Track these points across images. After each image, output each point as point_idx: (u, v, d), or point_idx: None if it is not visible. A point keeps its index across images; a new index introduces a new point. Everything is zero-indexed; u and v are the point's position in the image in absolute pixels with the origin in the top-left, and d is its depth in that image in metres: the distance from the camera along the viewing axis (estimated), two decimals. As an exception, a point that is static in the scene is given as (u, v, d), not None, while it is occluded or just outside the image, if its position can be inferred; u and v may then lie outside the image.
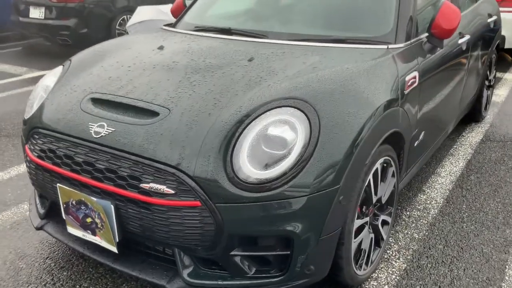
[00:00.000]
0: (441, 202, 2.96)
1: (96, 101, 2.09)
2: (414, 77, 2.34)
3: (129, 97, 2.03)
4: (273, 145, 1.75)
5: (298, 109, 1.81)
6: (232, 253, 1.79)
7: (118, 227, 1.88)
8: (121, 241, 1.91)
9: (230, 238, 1.75)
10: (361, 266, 2.14)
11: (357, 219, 2.01)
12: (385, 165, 2.21)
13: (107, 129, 1.92)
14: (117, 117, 1.95)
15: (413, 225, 2.71)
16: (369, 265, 2.22)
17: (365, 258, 2.17)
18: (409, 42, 2.44)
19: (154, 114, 1.92)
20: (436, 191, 3.09)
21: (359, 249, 2.14)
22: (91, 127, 1.95)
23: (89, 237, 1.99)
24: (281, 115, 1.80)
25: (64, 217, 2.05)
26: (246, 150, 1.74)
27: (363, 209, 2.12)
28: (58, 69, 2.50)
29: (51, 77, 2.44)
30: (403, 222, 2.73)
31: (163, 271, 1.92)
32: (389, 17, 2.48)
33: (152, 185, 1.77)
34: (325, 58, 2.18)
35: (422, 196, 3.04)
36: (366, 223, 2.12)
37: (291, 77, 2.00)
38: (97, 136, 1.92)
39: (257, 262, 1.84)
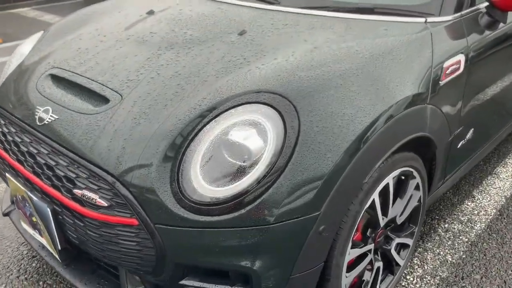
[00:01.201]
0: (492, 214, 2.39)
1: (54, 78, 1.76)
2: (458, 63, 1.77)
3: (86, 76, 1.68)
4: (234, 155, 1.33)
5: (272, 107, 1.36)
6: (182, 282, 1.43)
7: (59, 234, 1.58)
8: (64, 249, 1.61)
9: (176, 266, 1.39)
10: (361, 301, 1.71)
11: (353, 248, 1.57)
12: (403, 177, 1.71)
13: (51, 115, 1.59)
14: (64, 101, 1.62)
15: (449, 242, 2.19)
16: (375, 299, 1.78)
17: (368, 291, 1.73)
18: (459, 14, 1.85)
19: (104, 100, 1.56)
20: (489, 198, 2.51)
21: (360, 281, 1.71)
22: (37, 112, 1.64)
23: (37, 237, 1.72)
24: (248, 115, 1.36)
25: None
26: (199, 160, 1.34)
27: (367, 234, 1.66)
28: (37, 35, 2.20)
29: (28, 44, 2.15)
30: (436, 238, 2.22)
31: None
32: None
33: (85, 192, 1.43)
34: (334, 34, 1.68)
35: (469, 203, 2.48)
36: (369, 251, 1.67)
37: (279, 61, 1.54)
38: (40, 124, 1.60)
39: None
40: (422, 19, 1.77)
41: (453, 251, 2.14)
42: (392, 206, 1.67)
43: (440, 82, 1.69)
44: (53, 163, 1.53)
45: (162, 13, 2.07)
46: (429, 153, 1.81)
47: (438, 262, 2.07)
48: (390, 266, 1.85)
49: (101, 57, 1.77)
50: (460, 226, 2.30)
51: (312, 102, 1.38)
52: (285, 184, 1.30)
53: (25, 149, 1.63)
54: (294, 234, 1.34)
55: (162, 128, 1.40)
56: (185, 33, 1.81)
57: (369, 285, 1.73)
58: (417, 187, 1.79)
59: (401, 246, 1.90)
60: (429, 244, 2.19)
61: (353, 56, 1.53)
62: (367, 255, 1.66)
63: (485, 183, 2.65)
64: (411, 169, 1.69)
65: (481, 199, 2.51)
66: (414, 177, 1.74)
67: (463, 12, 1.87)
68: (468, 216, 2.37)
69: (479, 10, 1.95)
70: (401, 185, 1.72)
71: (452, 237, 2.23)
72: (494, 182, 2.65)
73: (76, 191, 1.45)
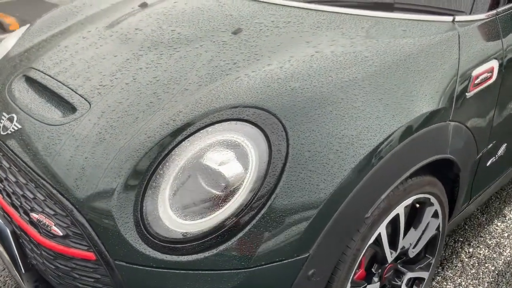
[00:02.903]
0: (526, 238, 2.11)
1: (27, 80, 1.58)
2: (490, 70, 1.50)
3: (58, 79, 1.49)
4: (209, 183, 1.12)
5: (256, 125, 1.14)
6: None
7: (21, 257, 1.40)
8: (29, 271, 1.44)
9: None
10: None
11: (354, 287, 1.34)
12: (417, 205, 1.46)
13: (14, 124, 1.41)
14: (31, 109, 1.43)
15: (473, 271, 1.93)
16: None
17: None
18: (494, 11, 1.57)
19: (71, 109, 1.36)
20: (522, 219, 2.23)
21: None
22: (2, 119, 1.46)
23: (3, 255, 1.56)
24: (227, 134, 1.14)
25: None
26: (168, 187, 1.13)
27: (373, 270, 1.43)
28: (23, 29, 2.02)
29: (12, 38, 1.98)
30: (459, 264, 1.96)
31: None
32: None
33: (41, 217, 1.25)
34: (342, 35, 1.43)
35: (499, 223, 2.20)
36: (374, 290, 1.44)
37: (273, 67, 1.31)
38: (4, 133, 1.42)
39: None
40: (450, 18, 1.50)
41: (477, 281, 1.88)
42: (402, 239, 1.42)
43: (467, 94, 1.42)
44: (13, 179, 1.35)
45: (154, 7, 1.86)
46: (451, 175, 1.55)
47: (459, 295, 1.82)
48: (401, 302, 1.61)
49: (78, 57, 1.58)
50: (486, 251, 2.03)
51: (305, 121, 1.14)
52: (267, 221, 1.08)
53: (-11, 160, 1.46)
54: (277, 280, 1.11)
55: (128, 146, 1.19)
56: (173, 31, 1.59)
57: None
58: (435, 215, 1.54)
59: (415, 280, 1.66)
60: (450, 271, 1.93)
61: (360, 64, 1.28)
62: (371, 294, 1.43)
63: (519, 200, 2.36)
64: (427, 196, 1.44)
65: (513, 219, 2.23)
66: (432, 204, 1.49)
67: (500, 9, 1.58)
68: (497, 240, 2.10)
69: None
70: (415, 213, 1.48)
71: (476, 265, 1.96)
72: (530, 199, 2.36)
73: (32, 214, 1.26)
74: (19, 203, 1.32)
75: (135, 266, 1.12)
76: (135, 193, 1.14)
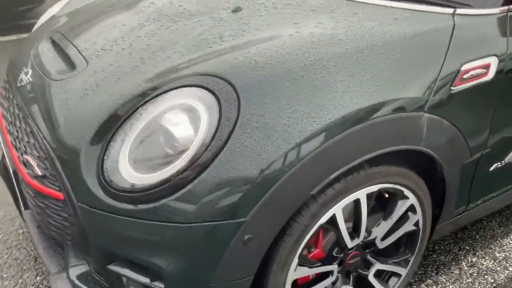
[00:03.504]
0: (540, 256, 1.97)
1: (51, 42, 1.76)
2: (485, 67, 1.43)
3: (73, 41, 1.65)
4: (164, 142, 1.20)
5: (213, 93, 1.20)
6: (110, 267, 1.35)
7: (22, 197, 1.58)
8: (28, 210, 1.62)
9: (100, 250, 1.32)
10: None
11: (304, 265, 1.36)
12: (387, 195, 1.45)
13: (28, 78, 1.59)
14: (43, 66, 1.60)
15: (469, 280, 1.85)
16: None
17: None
18: (506, 7, 1.49)
19: (72, 67, 1.51)
20: (543, 237, 2.08)
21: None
22: (21, 73, 1.65)
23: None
24: (186, 99, 1.22)
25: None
26: (130, 142, 1.22)
27: (333, 253, 1.44)
28: (67, -2, 2.23)
29: (58, 6, 2.19)
30: (456, 271, 1.89)
31: (62, 259, 1.59)
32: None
33: (29, 158, 1.41)
34: (330, 19, 1.44)
35: (515, 238, 2.08)
36: (331, 272, 1.44)
37: (252, 42, 1.36)
38: (19, 85, 1.61)
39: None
40: (450, 10, 1.45)
41: (470, 291, 1.80)
42: (365, 226, 1.41)
43: (452, 88, 1.38)
44: (18, 125, 1.53)
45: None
46: (436, 173, 1.51)
47: (447, 302, 1.76)
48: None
49: (96, 24, 1.73)
50: (491, 263, 1.93)
51: (259, 93, 1.19)
52: (208, 182, 1.14)
53: (6, 106, 1.66)
54: (213, 239, 1.18)
55: (103, 103, 1.32)
56: (180, 6, 1.70)
57: (331, 312, 1.50)
58: (412, 209, 1.51)
59: (392, 275, 1.63)
60: (444, 277, 1.86)
61: (330, 45, 1.30)
62: (329, 276, 1.44)
63: (546, 217, 2.20)
64: (399, 187, 1.42)
65: (532, 235, 2.09)
66: (406, 197, 1.46)
67: (514, 5, 1.51)
68: (507, 254, 1.98)
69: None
70: (387, 204, 1.46)
71: (475, 274, 1.87)
72: (559, 219, 2.19)
73: (24, 156, 1.43)
74: (19, 146, 1.49)
75: (93, 209, 1.24)
76: (101, 145, 1.25)
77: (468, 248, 2.02)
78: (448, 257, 1.97)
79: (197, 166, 1.15)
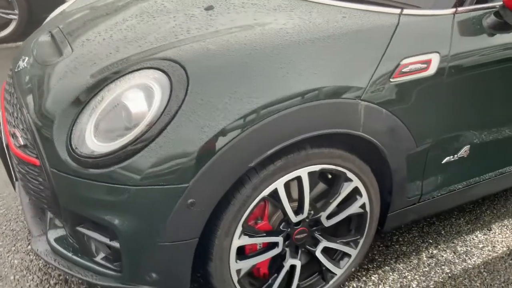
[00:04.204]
0: (500, 252, 2.05)
1: (49, 34, 1.98)
2: (426, 62, 1.56)
3: (64, 33, 1.86)
4: (124, 116, 1.38)
5: (167, 74, 1.38)
6: (78, 228, 1.53)
7: (13, 168, 1.79)
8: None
9: (68, 212, 1.50)
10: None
11: (249, 234, 1.51)
12: (329, 176, 1.58)
13: (24, 63, 1.81)
14: (37, 53, 1.82)
15: (426, 269, 1.95)
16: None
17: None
18: (453, 9, 1.62)
19: (60, 54, 1.72)
20: (507, 235, 2.15)
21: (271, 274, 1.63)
22: (20, 60, 1.87)
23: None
24: (145, 79, 1.40)
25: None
26: (95, 116, 1.40)
27: (280, 227, 1.58)
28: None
29: (70, 2, 2.43)
30: (415, 261, 1.98)
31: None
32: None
33: (15, 130, 1.61)
34: (286, 17, 1.60)
35: (480, 235, 2.15)
36: (276, 244, 1.58)
37: (211, 35, 1.53)
38: (16, 70, 1.83)
39: (107, 248, 1.54)
40: (397, 10, 1.60)
41: (424, 278, 1.90)
42: (307, 204, 1.55)
43: (391, 80, 1.51)
44: (12, 102, 1.74)
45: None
46: (382, 160, 1.63)
47: (398, 285, 1.86)
48: (325, 271, 1.73)
49: (88, 20, 1.94)
50: (450, 255, 2.02)
51: (207, 76, 1.36)
52: (155, 150, 1.31)
53: (8, 89, 1.88)
54: (159, 201, 1.34)
55: (78, 83, 1.51)
56: (162, 4, 1.89)
57: (278, 280, 1.63)
58: (357, 192, 1.63)
59: (344, 255, 1.76)
60: (401, 265, 1.96)
61: (277, 37, 1.46)
62: (275, 248, 1.58)
63: (516, 217, 2.27)
64: (341, 169, 1.56)
65: (497, 234, 2.16)
66: (350, 180, 1.59)
67: (460, 8, 1.63)
68: (468, 248, 2.07)
69: (492, 8, 1.68)
70: (332, 184, 1.60)
71: (432, 265, 1.97)
72: (528, 220, 2.26)
73: (12, 129, 1.64)
74: (10, 121, 1.70)
75: (62, 173, 1.42)
76: (71, 118, 1.44)
77: (431, 241, 2.11)
78: (410, 248, 2.07)
79: (147, 137, 1.32)
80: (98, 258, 1.54)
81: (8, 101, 1.80)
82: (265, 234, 1.55)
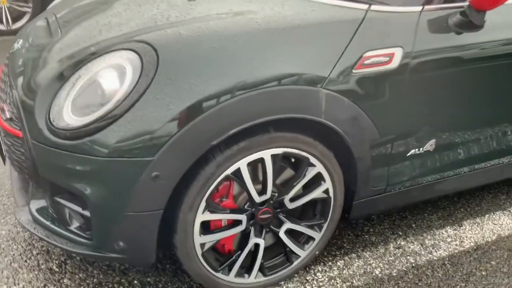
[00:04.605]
0: (466, 247, 2.11)
1: (45, 19, 2.11)
2: (388, 56, 1.64)
3: (58, 19, 1.99)
4: (98, 93, 1.49)
5: (139, 55, 1.48)
6: (56, 198, 1.64)
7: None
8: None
9: (46, 181, 1.61)
10: (231, 271, 1.72)
11: (213, 211, 1.60)
12: (293, 160, 1.67)
13: (18, 45, 1.93)
14: (31, 35, 1.94)
15: (390, 258, 2.02)
16: (254, 276, 1.76)
17: (239, 264, 1.73)
18: (420, 7, 1.70)
19: (50, 37, 1.84)
20: (477, 232, 2.21)
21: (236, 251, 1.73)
22: (16, 42, 2.00)
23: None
24: (119, 59, 1.50)
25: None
26: (73, 93, 1.50)
27: (245, 206, 1.67)
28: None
29: None
30: (381, 250, 2.06)
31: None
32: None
33: (3, 105, 1.73)
34: (259, 7, 1.69)
35: (450, 230, 2.22)
36: (240, 222, 1.67)
37: (185, 22, 1.64)
38: (11, 51, 1.95)
39: (81, 218, 1.65)
40: (365, 6, 1.68)
41: (388, 266, 1.97)
42: (270, 185, 1.64)
43: (353, 71, 1.60)
44: (4, 80, 1.86)
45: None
46: (345, 147, 1.71)
47: (362, 271, 1.93)
48: (289, 252, 1.81)
49: (82, 7, 2.07)
50: (417, 247, 2.09)
51: (176, 57, 1.46)
52: (123, 125, 1.42)
53: (5, 70, 2.01)
54: (125, 173, 1.45)
55: (61, 61, 1.62)
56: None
57: (242, 256, 1.72)
58: (321, 177, 1.72)
59: (309, 238, 1.84)
60: (367, 253, 2.04)
61: (247, 25, 1.56)
62: (239, 225, 1.67)
63: (487, 217, 2.32)
64: (305, 154, 1.64)
65: (467, 230, 2.22)
66: (313, 165, 1.68)
67: (427, 7, 1.72)
68: (436, 241, 2.13)
69: (459, 7, 1.75)
70: (297, 168, 1.69)
71: (398, 255, 2.04)
72: (499, 218, 2.31)
73: (1, 104, 1.76)
74: (1, 97, 1.83)
75: (41, 144, 1.53)
76: (52, 94, 1.55)
77: (401, 233, 2.18)
78: (378, 238, 2.14)
79: (117, 112, 1.42)
80: (72, 227, 1.65)
81: (2, 79, 1.93)
82: (228, 212, 1.64)
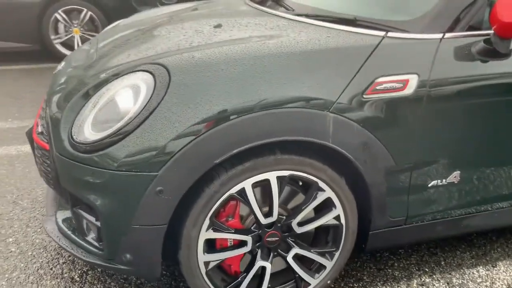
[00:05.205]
0: (498, 288, 1.96)
1: (90, 43, 2.28)
2: (402, 82, 1.61)
3: (98, 42, 2.15)
4: (116, 110, 1.58)
5: (153, 76, 1.56)
6: (75, 208, 1.74)
7: (40, 155, 2.07)
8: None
9: (67, 192, 1.71)
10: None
11: (217, 229, 1.62)
12: (301, 183, 1.66)
13: (61, 67, 2.11)
14: (73, 57, 2.12)
15: (411, 295, 1.92)
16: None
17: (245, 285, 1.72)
18: (440, 35, 1.67)
19: (87, 59, 1.99)
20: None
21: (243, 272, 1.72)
22: (60, 64, 2.18)
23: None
24: (135, 80, 1.60)
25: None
26: (94, 110, 1.61)
27: (251, 227, 1.68)
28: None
29: (113, 24, 2.75)
30: (402, 286, 1.96)
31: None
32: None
33: (39, 120, 1.88)
34: (277, 35, 1.74)
35: (483, 271, 2.07)
36: (245, 243, 1.66)
37: (203, 45, 1.72)
38: (54, 72, 2.13)
39: (96, 229, 1.73)
40: (381, 33, 1.68)
41: (406, 303, 1.87)
42: (276, 207, 1.63)
43: (364, 96, 1.59)
44: (45, 97, 2.03)
45: (201, 10, 2.42)
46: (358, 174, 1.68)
47: (377, 306, 1.86)
48: (299, 279, 1.78)
49: (123, 31, 2.22)
50: (442, 286, 1.97)
51: (187, 78, 1.53)
52: (133, 141, 1.49)
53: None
54: (132, 185, 1.51)
55: (89, 78, 1.76)
56: (181, 22, 2.12)
57: (247, 279, 1.71)
58: (333, 205, 1.69)
59: (320, 266, 1.80)
60: (380, 283, 1.95)
61: (257, 50, 1.60)
62: (244, 246, 1.67)
63: (528, 259, 2.16)
64: (313, 178, 1.63)
65: (501, 271, 2.07)
66: (322, 190, 1.66)
67: (452, 33, 1.68)
68: (464, 281, 2.00)
69: (483, 35, 1.70)
70: (308, 192, 1.68)
71: (419, 291, 1.94)
72: (541, 262, 2.13)
73: (38, 119, 1.91)
74: (41, 114, 1.99)
75: (62, 157, 1.64)
76: (77, 110, 1.67)
77: (427, 270, 2.08)
78: (402, 273, 2.05)
79: (128, 129, 1.50)
80: (89, 238, 1.73)
81: (44, 98, 2.10)
82: (233, 231, 1.65)
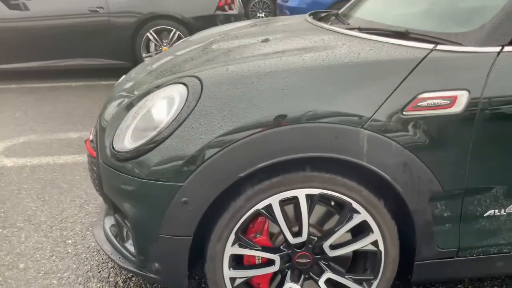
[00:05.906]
0: None
1: (150, 60, 2.39)
2: (449, 99, 1.47)
3: (160, 59, 2.23)
4: (153, 120, 1.63)
5: (187, 88, 1.58)
6: (117, 215, 1.80)
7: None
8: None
9: (108, 198, 1.78)
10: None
11: (243, 245, 1.57)
12: (333, 203, 1.57)
13: (120, 80, 2.22)
14: (134, 70, 2.22)
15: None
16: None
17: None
18: (498, 48, 1.51)
19: (143, 72, 2.08)
20: None
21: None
22: (123, 76, 2.30)
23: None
24: (171, 92, 1.62)
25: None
26: (135, 121, 1.66)
27: (281, 246, 1.61)
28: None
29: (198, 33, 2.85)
30: (456, 326, 1.77)
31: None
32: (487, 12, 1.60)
33: (92, 129, 1.99)
34: (321, 47, 1.68)
35: (557, 318, 1.80)
36: (273, 262, 1.60)
37: (243, 59, 1.71)
38: (115, 83, 2.25)
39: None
40: (430, 46, 1.56)
41: None
42: (305, 226, 1.55)
43: (404, 113, 1.47)
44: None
45: (259, 26, 2.43)
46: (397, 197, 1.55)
47: None
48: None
49: (184, 48, 2.29)
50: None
51: (218, 90, 1.53)
52: (162, 151, 1.52)
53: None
54: (159, 194, 1.53)
55: (133, 93, 1.82)
56: (234, 37, 2.14)
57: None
58: (370, 230, 1.58)
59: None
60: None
61: (291, 63, 1.56)
62: (271, 265, 1.60)
63: None
64: (346, 198, 1.53)
65: None
66: (357, 212, 1.55)
67: (508, 48, 1.51)
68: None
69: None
70: (342, 212, 1.58)
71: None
72: None
73: (92, 128, 2.03)
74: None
75: (104, 164, 1.72)
76: (121, 119, 1.74)
77: (488, 311, 1.85)
78: (457, 311, 1.85)
79: (159, 138, 1.53)
80: (127, 244, 1.78)
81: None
82: (260, 249, 1.60)
